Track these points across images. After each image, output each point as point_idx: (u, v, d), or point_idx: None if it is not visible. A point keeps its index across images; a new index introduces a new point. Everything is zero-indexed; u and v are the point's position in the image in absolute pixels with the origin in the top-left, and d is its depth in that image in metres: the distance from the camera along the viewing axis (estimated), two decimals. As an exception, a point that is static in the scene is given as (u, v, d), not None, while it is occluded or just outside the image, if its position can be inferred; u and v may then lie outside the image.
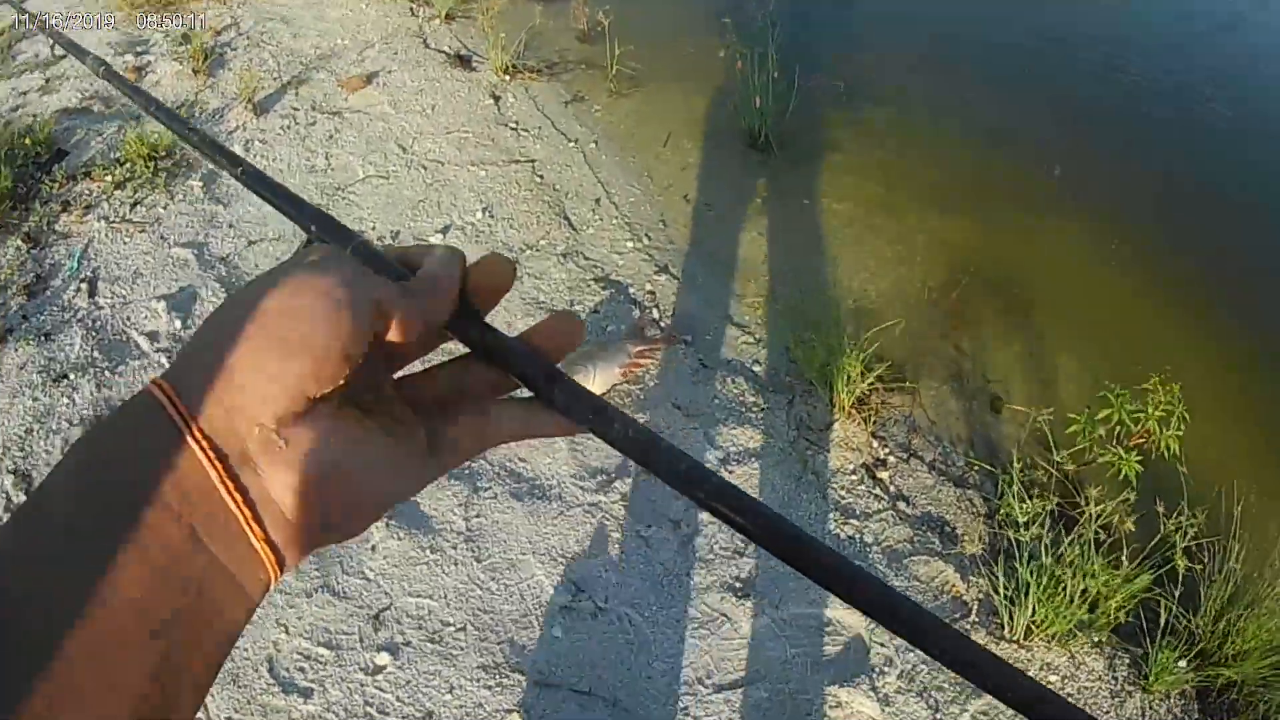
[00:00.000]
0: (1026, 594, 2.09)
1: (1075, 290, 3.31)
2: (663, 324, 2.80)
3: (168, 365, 0.45)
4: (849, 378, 2.54)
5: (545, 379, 0.38)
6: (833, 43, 4.16)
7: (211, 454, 0.31)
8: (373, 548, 2.02)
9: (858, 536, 2.30)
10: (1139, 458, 2.34)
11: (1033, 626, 2.11)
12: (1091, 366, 3.04)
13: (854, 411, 2.59)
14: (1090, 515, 2.14)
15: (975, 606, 2.20)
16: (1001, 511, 2.40)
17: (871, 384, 2.60)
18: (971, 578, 2.27)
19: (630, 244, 3.06)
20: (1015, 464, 2.41)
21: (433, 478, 0.39)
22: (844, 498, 2.39)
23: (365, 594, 1.91)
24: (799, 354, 2.63)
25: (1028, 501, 2.25)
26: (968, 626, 2.18)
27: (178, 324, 2.54)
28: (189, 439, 0.31)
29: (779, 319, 2.97)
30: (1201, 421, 2.47)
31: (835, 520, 2.31)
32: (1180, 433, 2.34)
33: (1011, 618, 2.12)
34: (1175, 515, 2.16)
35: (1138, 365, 3.06)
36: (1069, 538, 2.14)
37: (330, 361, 0.32)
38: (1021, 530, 2.22)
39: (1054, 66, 4.32)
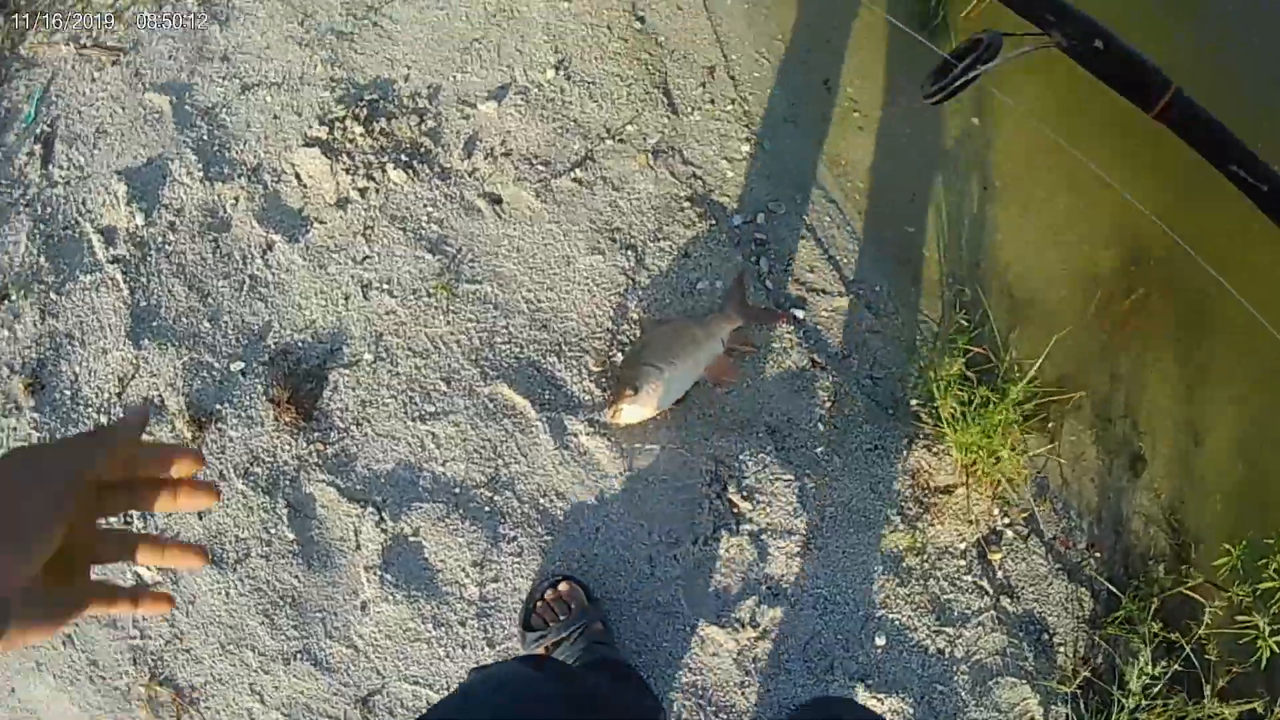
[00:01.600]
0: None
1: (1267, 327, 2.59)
2: (769, 283, 2.08)
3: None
4: (996, 439, 1.93)
5: None
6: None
7: None
8: (362, 606, 1.54)
9: (947, 650, 1.85)
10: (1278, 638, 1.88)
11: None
12: (1258, 438, 2.43)
13: (983, 476, 2.01)
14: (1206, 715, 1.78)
15: (1050, 750, 1.84)
16: (1108, 629, 1.96)
17: (1019, 441, 2.01)
18: (1054, 710, 1.87)
19: (746, 148, 2.20)
20: (1148, 623, 1.91)
21: None
22: (945, 591, 1.90)
23: (353, 668, 1.50)
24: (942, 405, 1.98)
25: (1147, 667, 1.80)
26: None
27: (139, 219, 1.81)
28: None
29: (912, 303, 2.24)
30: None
31: (926, 630, 1.84)
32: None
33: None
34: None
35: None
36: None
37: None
38: (1129, 695, 1.80)
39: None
